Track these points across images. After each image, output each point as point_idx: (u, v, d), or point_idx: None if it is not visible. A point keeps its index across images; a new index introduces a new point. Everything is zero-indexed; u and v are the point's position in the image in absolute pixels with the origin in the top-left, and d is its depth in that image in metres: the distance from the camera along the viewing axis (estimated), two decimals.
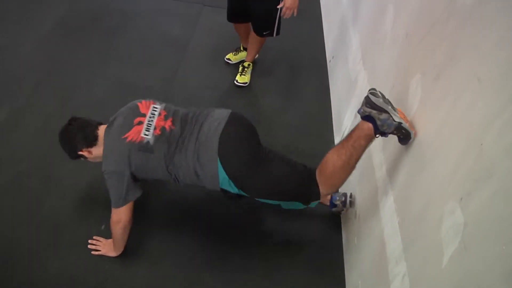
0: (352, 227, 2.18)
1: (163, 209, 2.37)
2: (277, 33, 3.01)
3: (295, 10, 2.77)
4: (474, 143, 1.15)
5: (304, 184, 1.88)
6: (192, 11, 4.07)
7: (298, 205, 1.98)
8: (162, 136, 1.85)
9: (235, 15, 3.11)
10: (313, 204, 1.97)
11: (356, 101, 2.47)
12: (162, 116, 1.91)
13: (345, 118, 2.68)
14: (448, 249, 1.19)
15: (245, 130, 1.93)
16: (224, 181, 1.85)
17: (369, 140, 1.66)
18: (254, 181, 1.86)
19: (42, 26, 3.60)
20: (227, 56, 3.46)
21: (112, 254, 2.10)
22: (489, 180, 1.05)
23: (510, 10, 1.10)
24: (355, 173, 1.82)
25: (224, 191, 1.94)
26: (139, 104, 1.95)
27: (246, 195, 1.92)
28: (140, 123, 1.87)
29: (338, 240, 2.29)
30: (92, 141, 1.95)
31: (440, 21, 1.52)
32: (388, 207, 1.70)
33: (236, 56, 3.45)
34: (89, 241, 2.14)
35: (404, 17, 1.98)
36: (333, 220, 2.38)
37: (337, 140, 2.80)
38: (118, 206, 1.88)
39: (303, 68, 3.50)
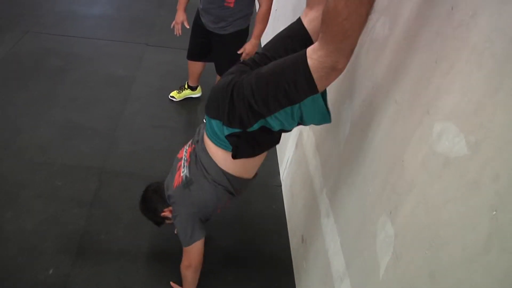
0: (300, 252, 2.25)
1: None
2: None
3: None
4: (397, 160, 1.26)
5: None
6: (135, 51, 4.14)
7: (317, 101, 1.42)
8: (191, 160, 1.83)
9: (196, 54, 3.24)
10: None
11: None
12: (189, 147, 1.91)
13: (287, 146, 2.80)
14: (383, 260, 1.29)
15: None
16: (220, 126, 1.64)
17: None
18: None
19: None
20: (171, 94, 3.54)
21: None
22: (411, 193, 1.17)
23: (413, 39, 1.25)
24: (298, 201, 1.90)
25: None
26: (178, 155, 1.98)
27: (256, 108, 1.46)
28: (180, 166, 1.89)
29: (289, 268, 2.35)
30: (166, 200, 1.95)
31: (362, 52, 1.67)
32: (330, 228, 1.79)
33: (180, 94, 3.53)
34: None
35: None
36: (283, 248, 2.45)
37: (281, 169, 2.91)
38: (187, 245, 1.89)
39: None
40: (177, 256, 2.34)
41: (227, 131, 1.56)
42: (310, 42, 1.51)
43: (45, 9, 4.63)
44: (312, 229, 2.08)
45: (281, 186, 2.86)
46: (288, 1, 3.55)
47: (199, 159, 1.77)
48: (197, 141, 1.81)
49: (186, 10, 3.06)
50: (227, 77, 1.53)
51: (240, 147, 1.61)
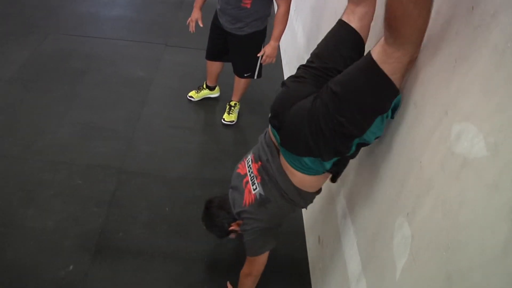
0: (317, 252, 2.25)
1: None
2: (259, 76, 3.18)
3: (274, 58, 2.95)
4: (414, 161, 1.25)
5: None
6: (154, 52, 4.18)
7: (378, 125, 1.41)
8: (263, 178, 1.78)
9: (214, 54, 3.27)
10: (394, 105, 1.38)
11: None
12: (254, 163, 1.85)
13: None
14: (399, 262, 1.28)
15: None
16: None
17: None
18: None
19: (4, 71, 3.61)
20: (189, 94, 3.56)
21: None
22: (428, 194, 1.15)
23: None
24: (316, 202, 1.89)
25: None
26: (238, 170, 1.94)
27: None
28: (247, 183, 1.85)
29: (305, 268, 2.35)
30: (234, 216, 1.95)
31: None
32: (347, 229, 1.79)
33: (198, 94, 3.55)
34: None
35: None
36: (299, 249, 2.44)
37: None
38: (254, 255, 1.90)
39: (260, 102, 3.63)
40: (194, 255, 2.37)
41: (328, 165, 1.54)
42: (361, 41, 1.52)
43: (66, 12, 4.71)
44: (329, 230, 2.07)
45: None
46: (306, 2, 3.55)
47: (275, 180, 1.73)
48: (267, 160, 1.75)
49: (202, 9, 3.08)
50: (301, 110, 1.48)
51: (340, 171, 1.63)
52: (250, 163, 1.86)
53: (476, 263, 0.92)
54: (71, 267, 2.20)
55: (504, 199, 0.86)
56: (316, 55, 1.61)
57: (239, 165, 1.94)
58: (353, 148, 1.46)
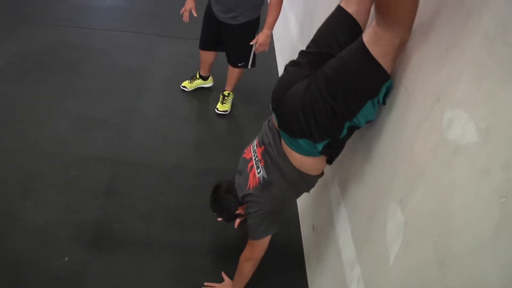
0: (311, 240, 2.27)
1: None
2: (253, 65, 3.16)
3: (267, 47, 2.94)
4: (407, 148, 1.26)
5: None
6: (148, 42, 4.15)
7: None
8: (266, 162, 1.81)
9: (207, 44, 3.25)
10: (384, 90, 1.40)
11: None
12: (258, 147, 1.89)
13: None
14: (393, 248, 1.29)
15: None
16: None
17: None
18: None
19: None
20: (182, 84, 3.55)
21: None
22: (421, 180, 1.16)
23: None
24: (310, 190, 1.90)
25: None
26: (244, 155, 1.97)
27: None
28: (252, 167, 1.88)
29: (300, 256, 2.37)
30: (240, 199, 1.96)
31: None
32: (341, 217, 1.80)
33: (191, 84, 3.53)
34: None
35: None
36: (294, 237, 2.46)
37: None
38: (256, 238, 1.90)
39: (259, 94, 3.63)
40: (190, 245, 2.38)
41: (320, 146, 1.56)
42: (357, 26, 1.53)
43: (58, 2, 4.66)
44: (323, 218, 2.09)
45: None
46: None
47: (277, 163, 1.76)
48: (269, 144, 1.79)
49: None
50: (296, 93, 1.53)
51: (334, 154, 1.66)
52: (255, 148, 1.91)
53: (467, 248, 0.93)
54: (67, 258, 2.20)
55: (495, 184, 0.87)
56: (314, 41, 1.65)
57: (245, 150, 1.98)
58: (345, 131, 1.50)
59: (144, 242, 2.37)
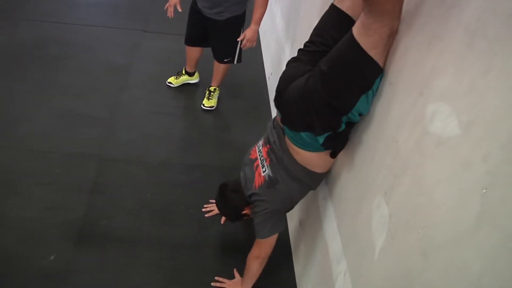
0: (298, 236, 2.28)
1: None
2: (238, 61, 3.16)
3: (254, 42, 2.95)
4: (391, 141, 1.27)
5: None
6: (133, 38, 4.12)
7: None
8: (271, 160, 1.83)
9: (193, 39, 3.23)
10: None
11: None
12: (264, 147, 1.91)
13: None
14: (378, 241, 1.30)
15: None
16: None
17: None
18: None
19: None
20: (168, 80, 3.53)
21: None
22: (405, 173, 1.18)
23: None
24: None
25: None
26: (250, 157, 1.98)
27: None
28: (257, 166, 1.90)
29: (287, 251, 2.38)
30: (246, 198, 1.97)
31: None
32: (327, 211, 1.81)
33: (177, 80, 3.52)
34: (212, 283, 2.19)
35: None
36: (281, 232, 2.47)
37: None
38: (263, 237, 1.91)
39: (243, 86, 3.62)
40: (177, 241, 2.38)
41: (321, 139, 1.58)
42: (351, 22, 1.52)
43: None
44: (310, 213, 2.10)
45: None
46: None
47: (282, 160, 1.77)
48: (274, 142, 1.82)
49: None
50: (297, 87, 1.56)
51: (336, 147, 1.66)
52: (260, 147, 1.93)
53: (450, 238, 0.95)
54: (53, 256, 2.19)
55: (476, 175, 0.88)
56: (311, 39, 1.69)
57: (251, 151, 2.00)
58: (343, 125, 1.52)
59: (132, 238, 2.36)
